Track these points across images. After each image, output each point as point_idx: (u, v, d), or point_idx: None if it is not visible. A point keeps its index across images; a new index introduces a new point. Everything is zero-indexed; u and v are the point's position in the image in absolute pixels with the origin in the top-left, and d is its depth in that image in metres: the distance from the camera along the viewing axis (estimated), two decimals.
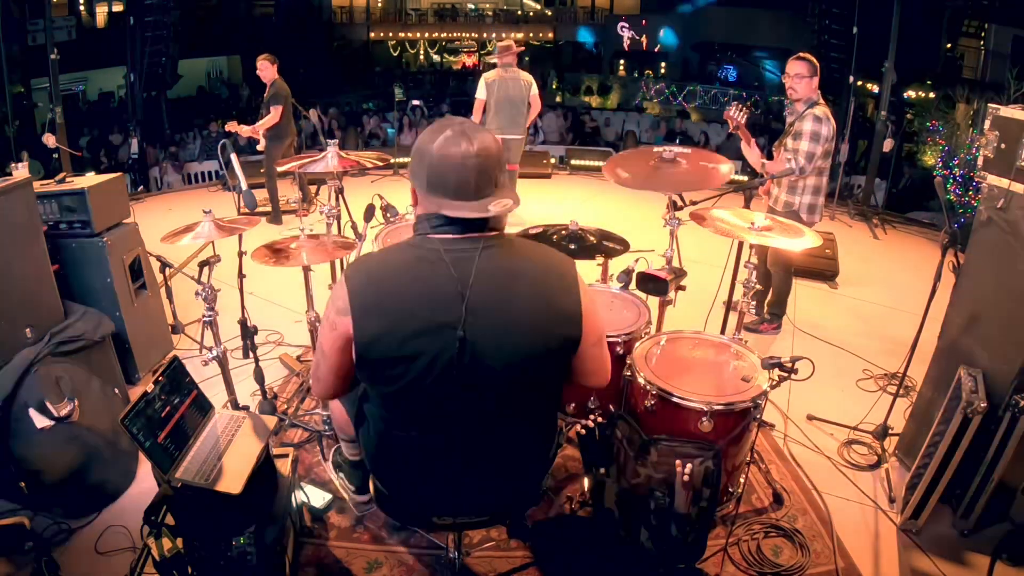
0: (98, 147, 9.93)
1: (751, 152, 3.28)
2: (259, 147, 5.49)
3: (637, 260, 2.75)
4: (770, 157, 3.35)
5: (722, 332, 2.72)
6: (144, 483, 2.36)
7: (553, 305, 1.36)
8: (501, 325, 1.32)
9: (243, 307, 2.64)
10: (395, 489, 1.56)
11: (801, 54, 3.17)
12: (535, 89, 4.95)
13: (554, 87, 18.84)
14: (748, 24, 16.33)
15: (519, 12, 21.13)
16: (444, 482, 1.50)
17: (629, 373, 2.21)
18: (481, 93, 4.92)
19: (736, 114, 3.11)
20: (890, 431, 2.64)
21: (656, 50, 18.67)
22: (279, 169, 4.30)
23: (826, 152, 3.12)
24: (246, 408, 2.56)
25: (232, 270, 2.56)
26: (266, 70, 5.35)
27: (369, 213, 2.67)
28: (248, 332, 2.65)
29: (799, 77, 3.13)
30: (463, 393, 1.36)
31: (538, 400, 1.47)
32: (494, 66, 4.99)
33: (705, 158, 2.64)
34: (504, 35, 19.74)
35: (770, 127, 10.84)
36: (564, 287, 1.37)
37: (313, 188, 6.04)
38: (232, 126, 5.36)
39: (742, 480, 2.31)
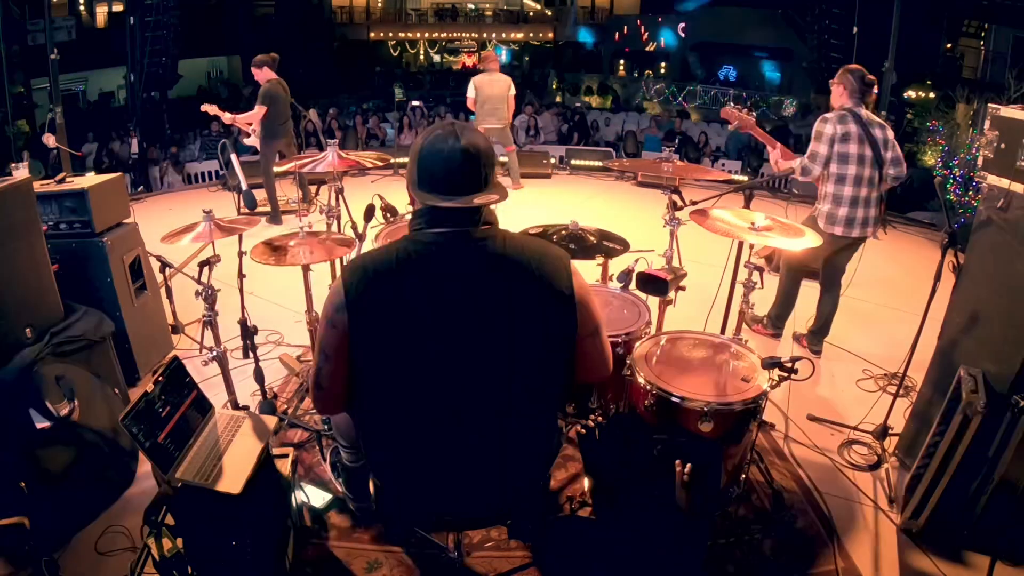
0: (103, 152, 9.90)
1: (774, 155, 3.21)
2: (247, 141, 5.55)
3: (637, 260, 2.75)
4: None
5: (722, 332, 2.72)
6: (144, 483, 2.36)
7: (546, 295, 1.36)
8: (495, 317, 1.33)
9: (243, 307, 2.64)
10: (396, 489, 1.56)
11: (848, 65, 3.14)
12: (512, 90, 6.24)
13: (554, 87, 18.84)
14: (748, 24, 16.35)
15: (519, 12, 21.13)
16: (445, 481, 1.50)
17: (629, 373, 2.21)
18: (471, 92, 6.17)
19: (734, 112, 3.06)
20: (890, 431, 2.64)
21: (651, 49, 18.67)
22: (279, 169, 4.28)
23: (840, 156, 3.01)
24: (246, 408, 2.57)
25: (232, 270, 2.56)
26: (257, 75, 5.41)
27: (369, 213, 2.66)
28: (248, 332, 2.65)
29: (831, 84, 3.13)
30: (461, 388, 1.37)
31: (537, 396, 1.46)
32: (484, 70, 6.34)
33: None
34: (503, 35, 19.78)
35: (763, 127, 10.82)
36: (557, 276, 1.37)
37: (313, 188, 6.05)
38: (211, 108, 5.37)
39: (742, 480, 2.31)
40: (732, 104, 3.17)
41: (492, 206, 1.39)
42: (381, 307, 1.32)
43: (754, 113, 3.16)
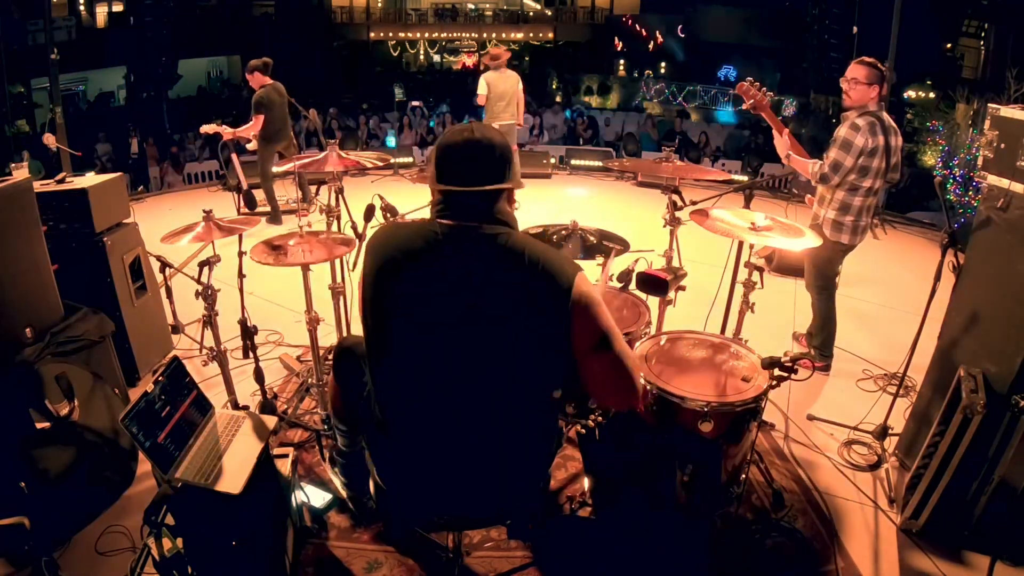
0: (114, 156, 9.86)
1: (780, 141, 3.05)
2: (249, 147, 5.52)
3: (637, 260, 2.75)
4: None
5: (722, 332, 2.72)
6: (144, 483, 2.36)
7: (543, 295, 1.34)
8: (494, 313, 1.34)
9: (243, 307, 2.64)
10: (396, 489, 1.56)
11: (865, 58, 2.86)
12: (520, 85, 6.24)
13: (554, 87, 18.84)
14: (748, 24, 16.36)
15: (519, 12, 21.12)
16: (445, 481, 1.50)
17: None
18: (483, 89, 6.08)
19: (751, 89, 2.87)
20: (890, 431, 2.64)
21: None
22: (279, 170, 4.26)
23: (862, 168, 2.84)
24: (246, 408, 2.57)
25: (232, 270, 2.56)
26: (250, 81, 5.40)
27: (369, 213, 2.66)
28: (248, 332, 2.65)
29: (854, 82, 2.83)
30: (460, 385, 1.38)
31: (536, 396, 1.46)
32: (489, 68, 6.31)
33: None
34: (503, 35, 19.79)
35: (760, 127, 10.78)
36: (557, 277, 1.35)
37: (313, 188, 6.04)
38: (211, 128, 5.31)
39: (742, 480, 2.30)
40: (749, 80, 3.01)
41: (512, 210, 1.44)
42: (386, 276, 1.38)
43: (770, 94, 2.96)
